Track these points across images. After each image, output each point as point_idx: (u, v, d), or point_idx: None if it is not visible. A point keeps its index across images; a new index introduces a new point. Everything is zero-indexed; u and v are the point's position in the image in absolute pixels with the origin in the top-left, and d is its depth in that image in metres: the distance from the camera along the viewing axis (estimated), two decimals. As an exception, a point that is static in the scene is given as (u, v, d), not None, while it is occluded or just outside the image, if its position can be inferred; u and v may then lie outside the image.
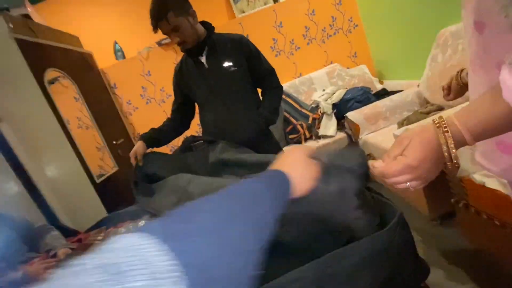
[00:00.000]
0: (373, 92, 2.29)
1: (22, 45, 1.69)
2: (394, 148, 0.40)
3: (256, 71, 1.20)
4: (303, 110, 2.27)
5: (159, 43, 2.57)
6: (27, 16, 1.90)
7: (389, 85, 2.40)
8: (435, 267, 1.19)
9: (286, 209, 0.37)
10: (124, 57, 2.65)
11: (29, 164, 1.80)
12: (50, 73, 1.88)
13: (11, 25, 1.66)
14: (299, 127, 2.20)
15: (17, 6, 1.90)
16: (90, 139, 2.26)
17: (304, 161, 0.45)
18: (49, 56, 1.94)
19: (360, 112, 1.94)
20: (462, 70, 0.72)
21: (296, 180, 0.41)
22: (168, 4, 1.01)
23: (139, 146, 1.17)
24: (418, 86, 1.87)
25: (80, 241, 1.13)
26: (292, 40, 2.71)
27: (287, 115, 2.27)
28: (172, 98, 2.75)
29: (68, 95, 2.15)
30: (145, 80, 2.66)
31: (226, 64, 1.14)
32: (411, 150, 0.38)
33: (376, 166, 0.42)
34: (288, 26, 2.67)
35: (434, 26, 1.72)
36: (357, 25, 2.73)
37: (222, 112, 1.18)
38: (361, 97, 2.14)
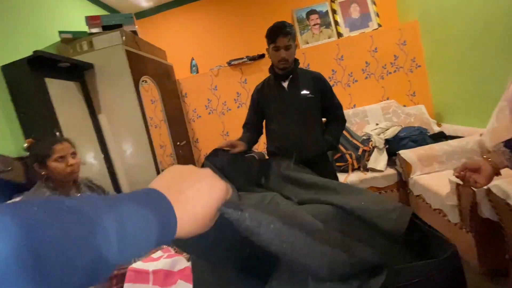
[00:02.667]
0: (429, 134, 2.27)
1: (129, 55, 2.10)
2: None
3: (327, 103, 1.39)
4: (354, 141, 2.34)
5: (229, 63, 2.90)
6: (134, 32, 2.35)
7: (448, 128, 2.35)
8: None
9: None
10: (197, 71, 3.05)
11: (113, 149, 2.17)
12: (142, 79, 2.27)
13: (124, 38, 2.09)
14: (347, 156, 2.26)
15: (129, 24, 2.37)
16: (157, 137, 2.61)
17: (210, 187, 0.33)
18: (145, 65, 2.35)
19: (414, 151, 1.95)
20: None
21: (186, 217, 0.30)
22: (292, 29, 1.27)
23: (240, 142, 1.22)
24: (481, 135, 1.83)
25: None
26: (351, 73, 2.83)
27: (337, 143, 2.36)
28: (232, 112, 3.01)
29: (147, 98, 2.54)
30: (211, 93, 3.00)
31: (304, 92, 1.33)
32: None
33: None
34: (348, 59, 2.81)
35: (503, 77, 1.70)
36: (419, 66, 2.75)
37: (293, 129, 1.34)
38: (417, 137, 2.14)
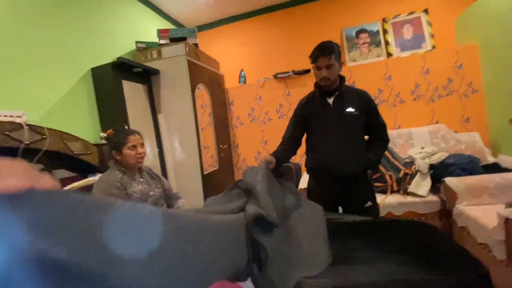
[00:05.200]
0: (481, 164, 2.12)
1: (190, 64, 2.37)
2: None
3: (372, 122, 1.40)
4: (396, 162, 2.29)
5: (275, 76, 3.06)
6: (196, 45, 2.64)
7: (504, 160, 2.17)
8: None
9: None
10: (245, 82, 3.26)
11: (166, 145, 2.43)
12: (197, 85, 2.53)
13: (187, 50, 2.37)
14: (387, 177, 2.22)
15: (192, 36, 2.67)
16: (202, 139, 2.84)
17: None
18: (201, 73, 2.62)
19: (462, 180, 1.85)
20: None
21: None
22: (335, 48, 1.32)
23: (271, 157, 1.34)
24: (543, 170, 1.68)
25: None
26: (398, 93, 2.78)
27: (377, 163, 2.33)
28: (273, 122, 3.11)
29: (198, 102, 2.80)
30: (255, 103, 3.18)
31: (349, 109, 1.36)
32: None
33: None
34: (397, 79, 2.77)
35: None
36: (476, 91, 2.59)
37: (335, 145, 1.35)
38: (467, 165, 2.02)
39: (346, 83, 1.45)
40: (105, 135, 1.55)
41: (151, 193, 1.39)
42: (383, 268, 0.94)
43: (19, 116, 1.46)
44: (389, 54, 2.91)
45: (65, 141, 1.57)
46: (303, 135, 1.52)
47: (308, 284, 0.68)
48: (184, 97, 2.34)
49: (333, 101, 1.39)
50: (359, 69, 2.87)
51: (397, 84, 2.78)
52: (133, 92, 2.19)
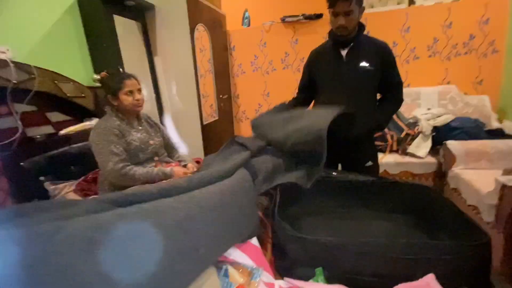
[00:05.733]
0: (486, 129, 2.10)
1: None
2: None
3: (388, 79, 1.27)
4: (399, 122, 2.25)
5: (283, 20, 2.77)
6: (195, -24, 2.31)
7: (509, 126, 2.14)
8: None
9: None
10: (249, 25, 2.97)
11: (164, 91, 2.32)
12: (196, 26, 2.29)
13: (185, -18, 2.07)
14: (388, 137, 2.21)
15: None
16: (201, 86, 2.71)
17: None
18: (201, 12, 2.35)
19: (463, 144, 1.84)
20: None
21: None
22: None
23: None
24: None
25: (198, 162, 1.51)
26: (414, 48, 2.59)
27: (380, 122, 2.29)
28: (276, 73, 2.95)
29: (197, 46, 2.58)
30: (259, 50, 2.95)
31: (363, 64, 1.22)
32: None
33: None
34: (415, 33, 2.54)
35: None
36: (497, 51, 2.41)
37: (342, 102, 1.19)
38: (471, 129, 2.00)
39: None
40: (99, 77, 1.44)
41: (151, 141, 1.35)
42: (379, 226, 0.97)
43: (3, 52, 1.32)
44: (411, 2, 2.62)
45: (56, 81, 1.46)
46: (313, 88, 1.41)
47: (308, 240, 0.70)
48: (182, 38, 2.14)
49: (347, 53, 1.25)
50: (376, 17, 2.60)
51: (414, 38, 2.56)
52: (126, 30, 1.98)
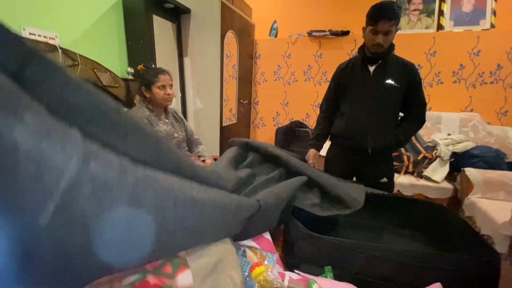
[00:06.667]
0: (507, 160, 2.05)
1: (223, 6, 2.21)
2: None
3: (412, 98, 1.30)
4: (417, 144, 2.24)
5: (310, 33, 2.85)
6: (230, -15, 2.44)
7: (533, 161, 2.08)
8: None
9: None
10: (276, 36, 3.07)
11: (189, 91, 2.43)
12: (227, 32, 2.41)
13: (221, -10, 2.19)
14: (405, 158, 2.19)
15: (228, -25, 2.45)
16: (223, 90, 2.81)
17: None
18: (233, 19, 2.46)
19: (482, 172, 1.81)
20: None
21: None
22: (399, 14, 1.18)
23: (315, 154, 1.45)
24: None
25: (216, 160, 1.57)
26: (439, 72, 2.58)
27: (398, 142, 2.28)
28: (298, 84, 2.99)
29: (224, 52, 2.70)
30: (283, 61, 3.04)
31: (389, 81, 1.26)
32: None
33: None
34: (441, 57, 2.55)
35: None
36: (525, 83, 2.38)
37: (365, 117, 1.29)
38: (492, 159, 1.96)
39: None
40: (133, 70, 1.54)
41: (175, 134, 1.43)
42: (390, 239, 0.98)
43: (53, 38, 1.45)
44: (440, 27, 2.63)
45: (95, 70, 1.58)
46: (337, 102, 1.45)
47: (321, 239, 0.73)
48: (212, 42, 2.25)
49: (374, 69, 1.29)
50: (403, 39, 2.61)
51: (440, 62, 2.56)
52: (161, 30, 2.11)
